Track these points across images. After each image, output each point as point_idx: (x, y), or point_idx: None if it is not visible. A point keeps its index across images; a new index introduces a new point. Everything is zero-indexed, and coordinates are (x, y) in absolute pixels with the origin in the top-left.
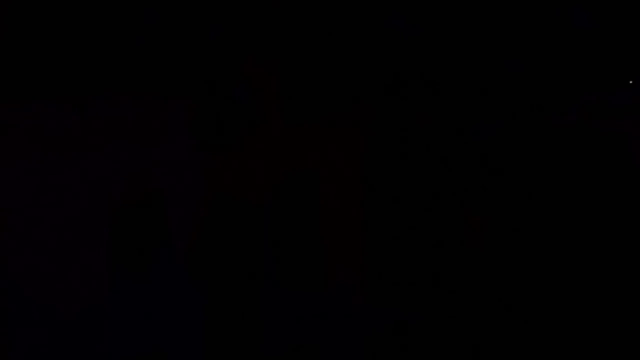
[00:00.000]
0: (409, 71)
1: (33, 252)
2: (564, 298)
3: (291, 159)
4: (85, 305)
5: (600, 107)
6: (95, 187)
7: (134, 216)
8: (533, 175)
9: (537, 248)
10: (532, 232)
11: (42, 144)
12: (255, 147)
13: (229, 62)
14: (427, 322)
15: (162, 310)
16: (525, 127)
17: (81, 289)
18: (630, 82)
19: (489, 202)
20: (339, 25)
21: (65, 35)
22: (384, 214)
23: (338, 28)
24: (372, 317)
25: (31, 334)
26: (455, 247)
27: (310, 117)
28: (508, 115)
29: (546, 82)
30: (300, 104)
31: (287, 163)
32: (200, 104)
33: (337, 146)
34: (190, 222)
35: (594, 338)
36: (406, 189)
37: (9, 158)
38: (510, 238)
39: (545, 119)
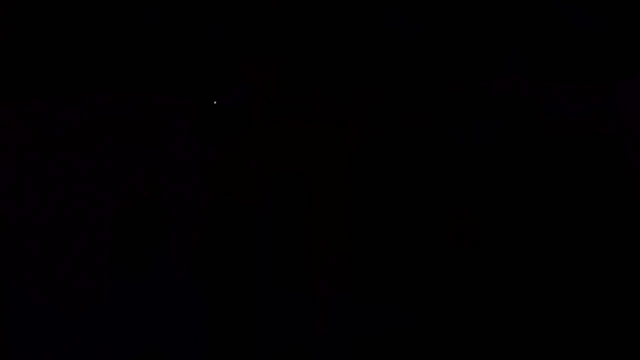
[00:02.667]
0: (403, 71)
1: (33, 252)
2: (553, 296)
3: (287, 159)
4: (85, 305)
5: (596, 108)
6: (95, 187)
7: (134, 216)
8: (522, 175)
9: (526, 245)
10: (517, 231)
11: (42, 144)
12: (254, 147)
13: (229, 62)
14: (416, 321)
15: (162, 310)
16: (519, 128)
17: (82, 288)
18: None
19: (478, 203)
20: (339, 25)
21: (66, 35)
22: (374, 215)
23: (338, 29)
24: (362, 316)
25: (31, 334)
26: (443, 247)
27: (310, 117)
28: (502, 116)
29: (545, 83)
30: (300, 103)
31: (283, 164)
32: (200, 104)
33: (330, 147)
34: (190, 222)
35: (579, 337)
36: (396, 190)
37: (9, 158)
38: (497, 238)
39: (539, 119)
